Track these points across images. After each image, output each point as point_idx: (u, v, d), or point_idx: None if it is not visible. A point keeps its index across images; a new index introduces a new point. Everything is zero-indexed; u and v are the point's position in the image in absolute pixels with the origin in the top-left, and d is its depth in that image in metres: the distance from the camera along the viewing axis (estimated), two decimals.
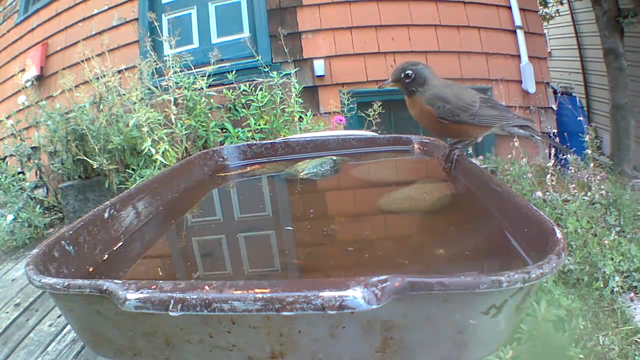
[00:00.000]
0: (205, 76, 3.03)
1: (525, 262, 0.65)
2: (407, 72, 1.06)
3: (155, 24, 3.20)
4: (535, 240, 0.64)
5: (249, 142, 1.51)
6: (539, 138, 1.19)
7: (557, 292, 1.66)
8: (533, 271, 0.50)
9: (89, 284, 0.54)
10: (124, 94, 2.98)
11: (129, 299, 0.50)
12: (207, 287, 0.50)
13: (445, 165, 1.13)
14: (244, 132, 3.06)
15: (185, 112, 2.99)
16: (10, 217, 3.02)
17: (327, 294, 0.47)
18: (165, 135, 2.73)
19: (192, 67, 3.10)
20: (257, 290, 0.48)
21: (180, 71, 3.05)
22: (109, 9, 3.96)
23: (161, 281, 0.52)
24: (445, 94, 1.06)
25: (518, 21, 3.82)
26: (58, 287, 0.56)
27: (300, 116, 3.12)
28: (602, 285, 1.92)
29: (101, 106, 3.10)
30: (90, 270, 0.75)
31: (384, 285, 0.48)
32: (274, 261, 0.78)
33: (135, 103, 2.84)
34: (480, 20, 3.79)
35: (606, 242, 2.06)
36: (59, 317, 2.07)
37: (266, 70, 3.24)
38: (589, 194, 2.55)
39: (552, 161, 2.67)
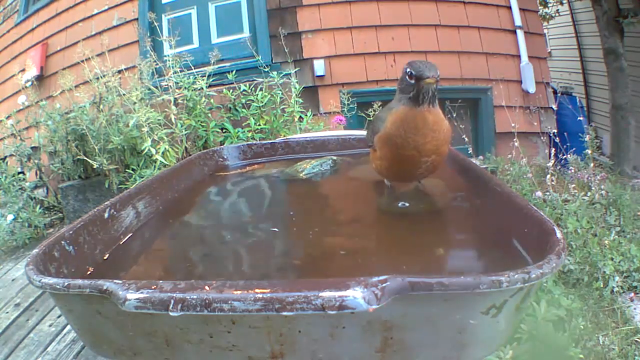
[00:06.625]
0: (205, 76, 3.03)
1: (525, 262, 0.64)
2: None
3: (155, 24, 3.20)
4: (535, 240, 0.64)
5: (249, 142, 1.51)
6: None
7: (557, 292, 1.65)
8: (533, 271, 0.50)
9: (89, 284, 0.54)
10: (124, 94, 2.98)
11: (129, 299, 0.50)
12: (207, 287, 0.50)
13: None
14: (244, 132, 3.06)
15: (185, 112, 2.99)
16: (10, 217, 3.02)
17: (327, 294, 0.47)
18: (165, 135, 2.73)
19: (192, 67, 3.10)
20: (257, 290, 0.48)
21: (180, 71, 3.05)
22: (109, 9, 3.96)
23: (161, 281, 0.52)
24: None
25: (518, 21, 3.82)
26: (58, 287, 0.56)
27: (301, 116, 3.12)
28: (602, 285, 1.92)
29: (101, 106, 3.10)
30: (90, 270, 0.75)
31: (384, 285, 0.48)
32: (273, 261, 0.78)
33: (135, 103, 2.84)
34: (480, 20, 3.79)
35: (606, 242, 2.06)
36: (59, 317, 2.07)
37: (266, 70, 3.24)
38: (589, 194, 2.55)
39: (552, 161, 2.67)
